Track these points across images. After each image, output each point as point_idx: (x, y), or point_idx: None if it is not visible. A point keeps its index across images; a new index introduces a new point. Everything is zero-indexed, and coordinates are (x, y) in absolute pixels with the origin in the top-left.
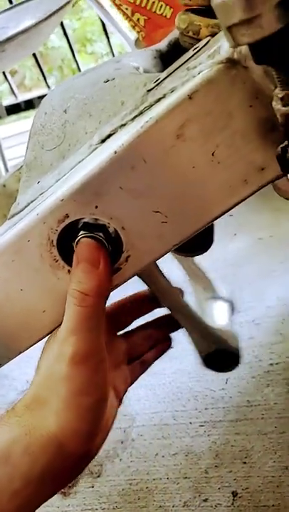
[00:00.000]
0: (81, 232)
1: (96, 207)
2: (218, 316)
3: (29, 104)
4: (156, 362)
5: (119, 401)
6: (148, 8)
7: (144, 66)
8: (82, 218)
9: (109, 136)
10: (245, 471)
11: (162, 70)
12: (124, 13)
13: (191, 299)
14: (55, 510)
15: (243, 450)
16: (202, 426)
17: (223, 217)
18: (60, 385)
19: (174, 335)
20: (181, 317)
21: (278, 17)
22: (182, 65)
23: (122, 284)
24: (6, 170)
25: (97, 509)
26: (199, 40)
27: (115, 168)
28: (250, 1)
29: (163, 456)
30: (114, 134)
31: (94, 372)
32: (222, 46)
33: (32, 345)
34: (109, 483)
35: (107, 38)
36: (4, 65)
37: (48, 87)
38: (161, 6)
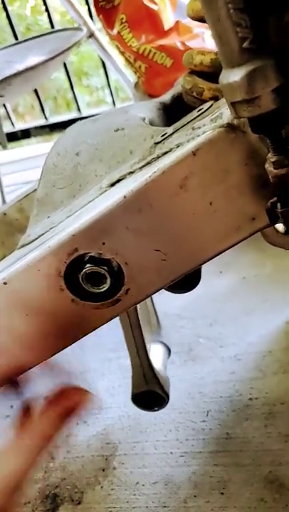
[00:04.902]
0: (87, 265)
1: (103, 243)
2: (156, 359)
3: (26, 134)
4: None
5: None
6: (150, 57)
7: (150, 117)
8: (89, 252)
9: (118, 181)
10: (223, 501)
11: (166, 121)
12: (127, 60)
13: None
14: None
15: (221, 481)
16: (182, 456)
17: None
18: None
19: None
20: (133, 351)
21: (273, 100)
22: (187, 123)
23: (121, 313)
24: (3, 197)
25: None
26: (202, 100)
27: (124, 210)
28: (251, 85)
29: (143, 485)
30: (122, 179)
31: None
32: (224, 113)
33: (38, 364)
34: (90, 511)
35: (106, 75)
36: (9, 97)
37: (46, 117)
38: (162, 56)
